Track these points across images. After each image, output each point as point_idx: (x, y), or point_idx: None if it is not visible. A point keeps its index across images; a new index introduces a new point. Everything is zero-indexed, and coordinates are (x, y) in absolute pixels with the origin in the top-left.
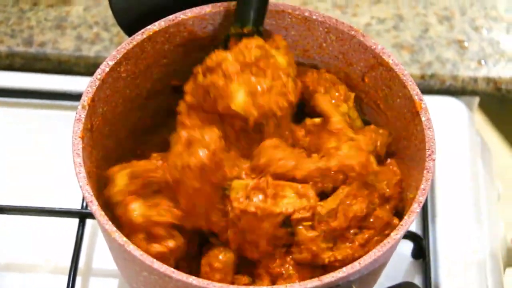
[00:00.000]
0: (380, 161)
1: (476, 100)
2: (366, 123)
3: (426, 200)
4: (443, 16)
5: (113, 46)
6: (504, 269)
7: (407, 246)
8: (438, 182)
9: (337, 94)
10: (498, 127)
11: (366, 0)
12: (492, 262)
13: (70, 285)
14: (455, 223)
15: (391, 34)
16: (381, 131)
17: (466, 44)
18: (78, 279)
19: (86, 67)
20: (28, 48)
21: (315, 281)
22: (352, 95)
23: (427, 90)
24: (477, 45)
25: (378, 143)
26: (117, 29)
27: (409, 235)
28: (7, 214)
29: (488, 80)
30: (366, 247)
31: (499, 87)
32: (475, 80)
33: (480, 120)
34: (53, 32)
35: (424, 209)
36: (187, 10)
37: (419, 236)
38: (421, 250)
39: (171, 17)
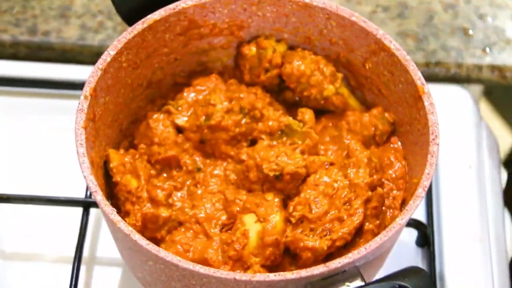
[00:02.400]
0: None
1: (481, 88)
2: (368, 105)
3: (431, 188)
4: (448, 3)
5: (117, 35)
6: (510, 258)
7: (412, 234)
8: (443, 170)
9: (321, 77)
10: (504, 115)
11: None
12: (498, 251)
13: (75, 274)
14: (460, 211)
15: (395, 22)
16: (386, 114)
17: (471, 32)
18: (83, 268)
19: (90, 56)
20: (32, 37)
21: (322, 267)
22: (340, 75)
23: (431, 78)
24: (482, 33)
25: (379, 131)
26: None
27: (413, 223)
28: (12, 203)
29: (493, 68)
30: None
31: (504, 74)
32: (480, 68)
33: (485, 108)
34: (57, 21)
35: (429, 197)
36: None
37: (424, 224)
38: (426, 238)
39: (171, 6)
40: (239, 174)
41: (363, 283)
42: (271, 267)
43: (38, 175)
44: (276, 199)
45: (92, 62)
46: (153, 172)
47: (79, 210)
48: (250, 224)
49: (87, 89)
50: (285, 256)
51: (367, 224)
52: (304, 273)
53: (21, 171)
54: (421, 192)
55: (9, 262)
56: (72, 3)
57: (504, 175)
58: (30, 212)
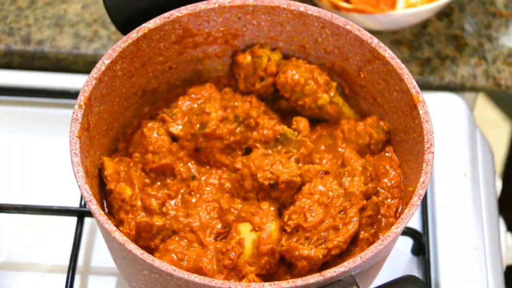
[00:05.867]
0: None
1: (476, 96)
2: (362, 114)
3: (426, 197)
4: (442, 12)
5: (111, 44)
6: (505, 266)
7: (407, 243)
8: (438, 179)
9: (315, 86)
10: (498, 123)
11: None
12: (493, 259)
13: (69, 283)
14: (455, 219)
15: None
16: (381, 123)
17: (465, 40)
18: (77, 278)
19: (84, 65)
20: (26, 46)
21: (317, 276)
22: (334, 84)
23: (426, 86)
24: (476, 40)
25: (373, 140)
26: None
27: (408, 232)
28: (5, 212)
29: (488, 76)
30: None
31: (498, 83)
32: (474, 76)
33: (480, 116)
34: (51, 30)
35: (424, 206)
36: (182, 8)
37: (419, 232)
38: (421, 247)
39: (166, 14)
40: (234, 183)
41: None
42: (266, 276)
43: (32, 184)
44: (271, 208)
45: (87, 71)
46: (147, 180)
47: (73, 220)
48: (245, 233)
49: (81, 98)
50: (280, 265)
51: (362, 232)
52: (299, 282)
53: (15, 180)
54: (416, 200)
55: (2, 272)
56: (66, 12)
57: (499, 183)
58: (24, 222)
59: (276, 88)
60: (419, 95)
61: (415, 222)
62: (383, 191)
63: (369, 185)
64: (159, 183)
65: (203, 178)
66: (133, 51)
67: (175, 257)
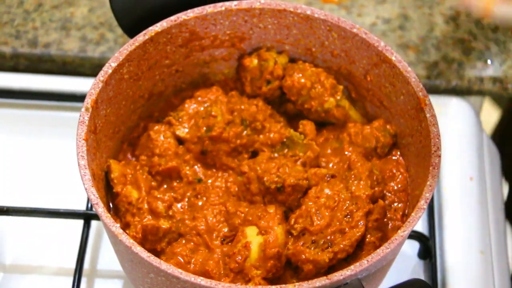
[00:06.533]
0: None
1: (483, 99)
2: (369, 117)
3: (433, 200)
4: (449, 15)
5: (118, 47)
6: (511, 270)
7: (414, 246)
8: (445, 182)
9: (322, 90)
10: (505, 127)
11: (371, 0)
12: (499, 263)
13: (75, 286)
14: (461, 223)
15: (396, 34)
16: (388, 126)
17: (472, 43)
18: (83, 281)
19: (91, 68)
20: (32, 49)
21: (323, 280)
22: (340, 87)
23: (433, 90)
24: (483, 44)
25: (380, 143)
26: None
27: (415, 235)
28: (12, 215)
29: (495, 79)
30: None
31: (505, 86)
32: (481, 79)
33: (487, 120)
34: (57, 33)
35: (431, 210)
36: (189, 11)
37: (426, 236)
38: (428, 250)
39: (172, 17)
40: (240, 186)
41: None
42: (273, 280)
43: (38, 187)
44: (278, 212)
45: (93, 74)
46: (154, 183)
47: (80, 222)
48: (252, 237)
49: (88, 101)
50: (287, 268)
51: (368, 236)
52: (306, 285)
53: (22, 183)
54: (423, 204)
55: (9, 274)
56: (73, 15)
57: (506, 188)
58: (31, 225)
59: (283, 91)
60: (426, 99)
61: (421, 226)
62: (389, 194)
63: (376, 188)
64: (165, 186)
65: (209, 181)
66: (140, 54)
67: (182, 260)
